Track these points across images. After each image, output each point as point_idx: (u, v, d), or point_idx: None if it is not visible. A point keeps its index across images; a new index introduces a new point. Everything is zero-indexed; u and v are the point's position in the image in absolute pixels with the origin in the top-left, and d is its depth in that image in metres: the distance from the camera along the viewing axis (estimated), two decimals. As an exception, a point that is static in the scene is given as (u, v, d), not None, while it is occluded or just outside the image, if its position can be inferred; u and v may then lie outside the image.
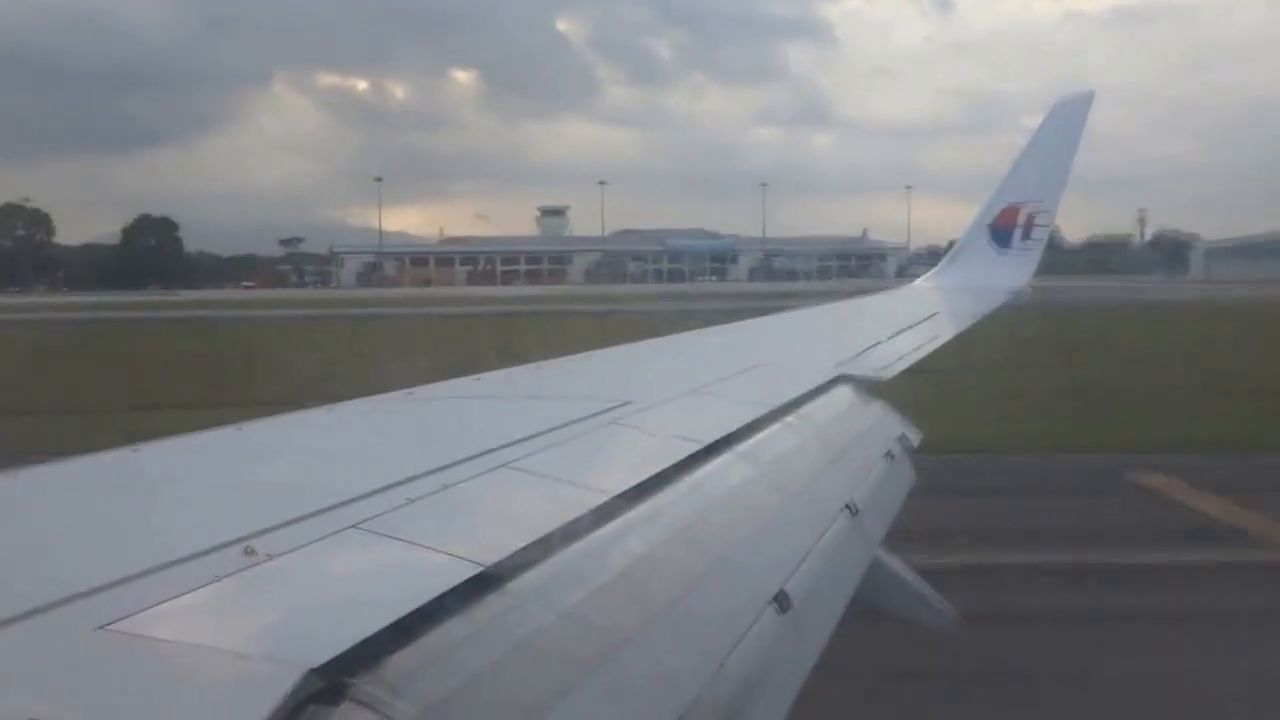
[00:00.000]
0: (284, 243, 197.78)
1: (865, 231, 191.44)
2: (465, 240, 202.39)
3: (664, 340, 7.48)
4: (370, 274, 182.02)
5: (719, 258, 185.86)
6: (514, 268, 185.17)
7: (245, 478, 3.08)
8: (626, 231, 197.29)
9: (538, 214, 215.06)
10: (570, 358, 5.86)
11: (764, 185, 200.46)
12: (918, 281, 15.00)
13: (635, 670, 2.37)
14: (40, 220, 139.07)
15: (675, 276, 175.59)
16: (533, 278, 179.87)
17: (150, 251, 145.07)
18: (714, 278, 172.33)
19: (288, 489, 2.83)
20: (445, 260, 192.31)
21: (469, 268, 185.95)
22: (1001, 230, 14.14)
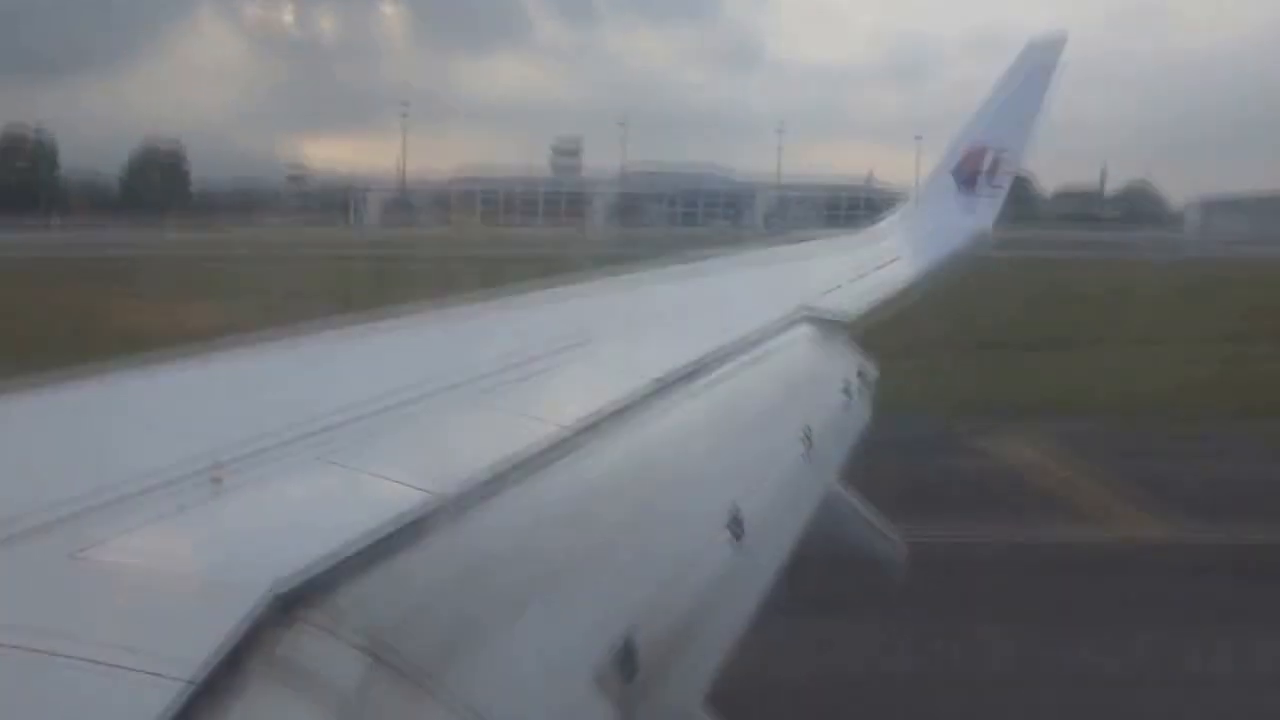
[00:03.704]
0: (292, 179, 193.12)
1: (871, 175, 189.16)
2: (475, 180, 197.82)
3: (632, 275, 7.50)
4: (395, 211, 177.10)
5: (736, 199, 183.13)
6: (532, 204, 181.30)
7: (212, 407, 3.11)
8: (640, 171, 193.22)
9: (550, 150, 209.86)
10: (537, 292, 5.88)
11: (779, 129, 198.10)
12: (882, 224, 15.01)
13: (585, 592, 2.44)
14: (47, 148, 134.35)
15: (690, 219, 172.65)
16: (551, 217, 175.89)
17: (156, 181, 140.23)
18: (733, 219, 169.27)
19: (254, 418, 2.86)
20: (465, 199, 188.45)
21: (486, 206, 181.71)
22: (966, 174, 14.13)
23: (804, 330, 5.80)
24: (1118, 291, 43.31)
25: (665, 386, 3.81)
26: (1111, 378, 25.72)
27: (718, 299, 6.78)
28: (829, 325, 6.14)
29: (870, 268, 9.36)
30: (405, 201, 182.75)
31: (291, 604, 1.82)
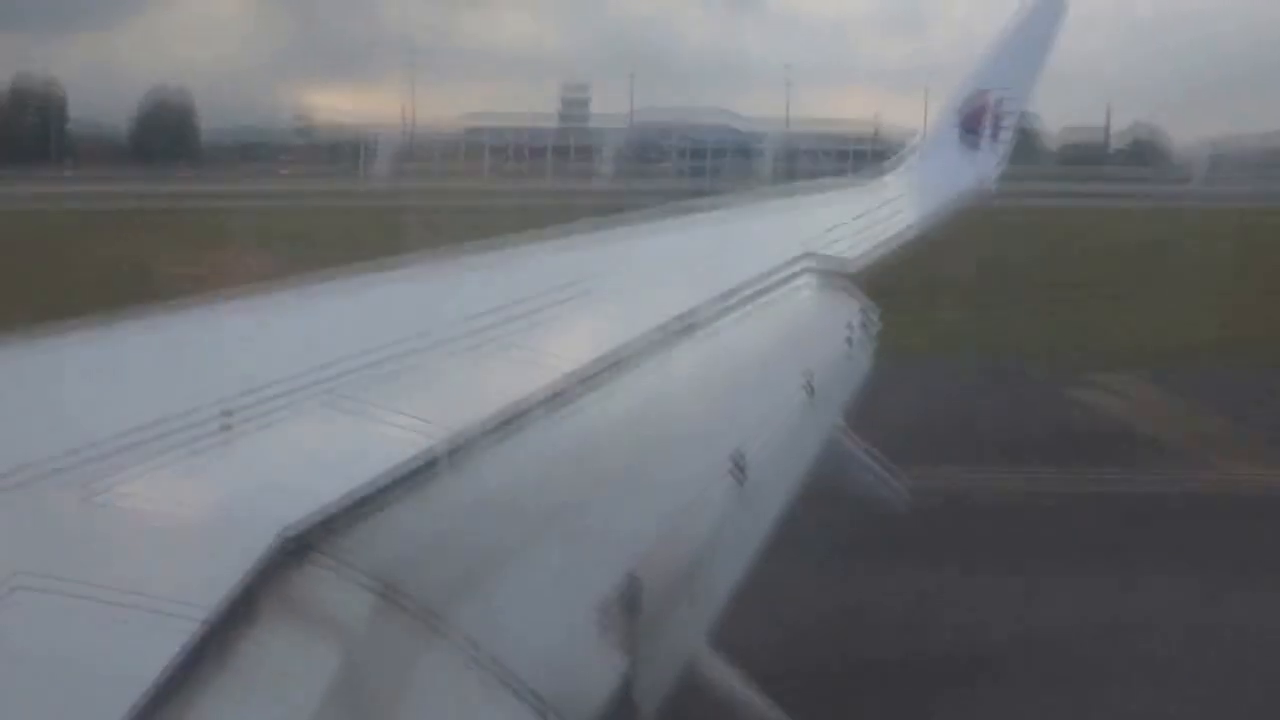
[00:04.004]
0: (299, 129, 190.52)
1: (879, 123, 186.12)
2: (484, 128, 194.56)
3: (638, 223, 7.48)
4: (404, 159, 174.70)
5: (745, 146, 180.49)
6: (541, 151, 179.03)
7: (222, 351, 3.14)
8: (649, 116, 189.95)
9: (559, 97, 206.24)
10: (543, 239, 5.88)
11: (788, 71, 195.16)
12: (886, 173, 14.91)
13: (590, 533, 2.48)
14: (56, 99, 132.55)
15: (698, 165, 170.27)
16: (560, 164, 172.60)
17: (166, 132, 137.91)
18: (742, 166, 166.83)
19: (263, 363, 2.89)
20: (474, 146, 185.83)
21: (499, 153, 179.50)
22: (971, 120, 14.01)
23: (807, 278, 5.81)
24: (1140, 238, 42.79)
25: (669, 332, 3.83)
26: (1162, 325, 25.60)
27: (722, 246, 6.77)
28: (832, 273, 6.14)
29: (873, 216, 9.33)
30: (414, 149, 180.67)
31: (301, 544, 1.85)
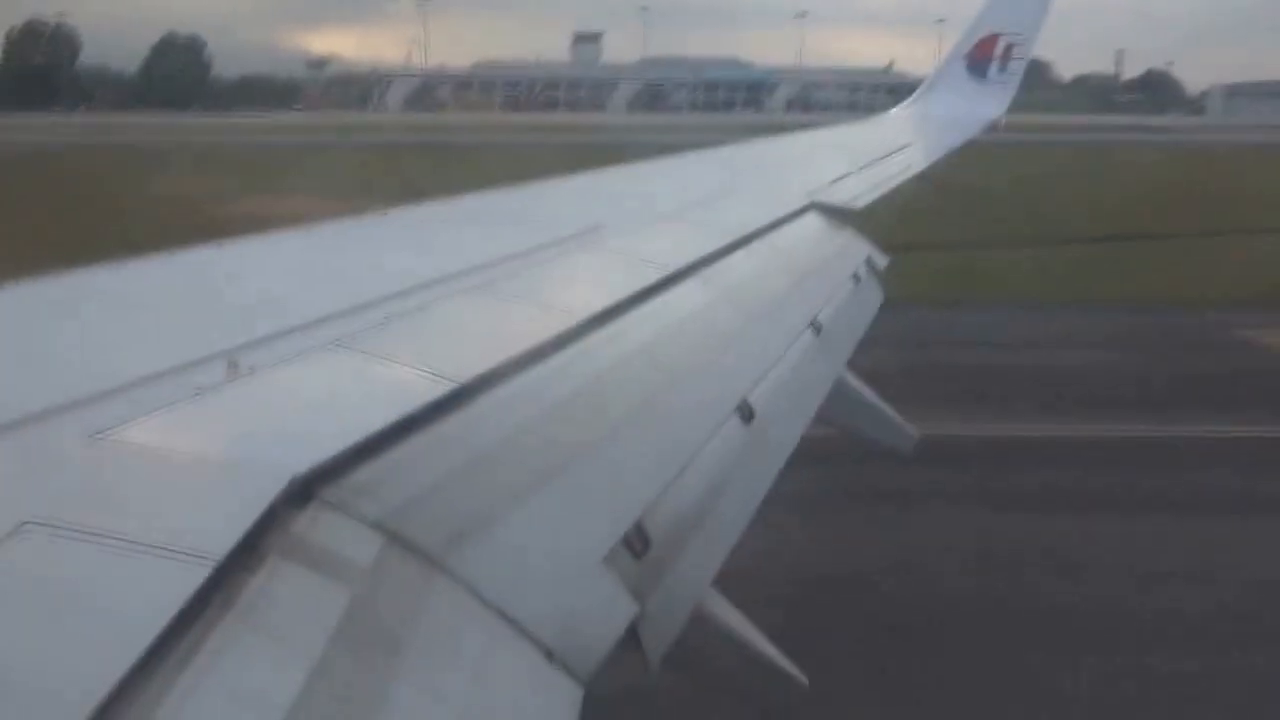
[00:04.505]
0: (312, 66, 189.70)
1: (891, 64, 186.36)
2: (497, 65, 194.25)
3: (640, 165, 7.44)
4: (419, 99, 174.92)
5: (755, 89, 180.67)
6: (554, 94, 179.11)
7: (229, 295, 3.13)
8: (657, 59, 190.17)
9: (572, 39, 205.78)
10: (546, 182, 5.85)
11: (802, 14, 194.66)
12: (893, 111, 14.82)
13: (596, 476, 2.48)
14: (68, 40, 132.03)
15: (710, 107, 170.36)
16: (572, 106, 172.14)
17: (175, 72, 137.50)
18: (751, 108, 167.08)
19: (271, 306, 2.88)
20: (487, 86, 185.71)
21: (509, 94, 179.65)
22: (978, 61, 13.92)
23: (812, 217, 5.78)
24: (1167, 179, 42.49)
25: (676, 275, 3.81)
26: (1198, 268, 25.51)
27: (729, 188, 6.73)
28: (838, 214, 6.11)
29: (879, 157, 9.27)
30: (427, 90, 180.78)
31: (308, 486, 1.85)
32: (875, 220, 6.74)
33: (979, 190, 32.39)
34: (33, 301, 2.83)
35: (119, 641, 1.41)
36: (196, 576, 1.54)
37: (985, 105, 13.63)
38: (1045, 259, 27.05)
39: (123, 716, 1.31)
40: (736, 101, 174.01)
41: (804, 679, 2.99)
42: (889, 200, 7.59)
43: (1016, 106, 13.97)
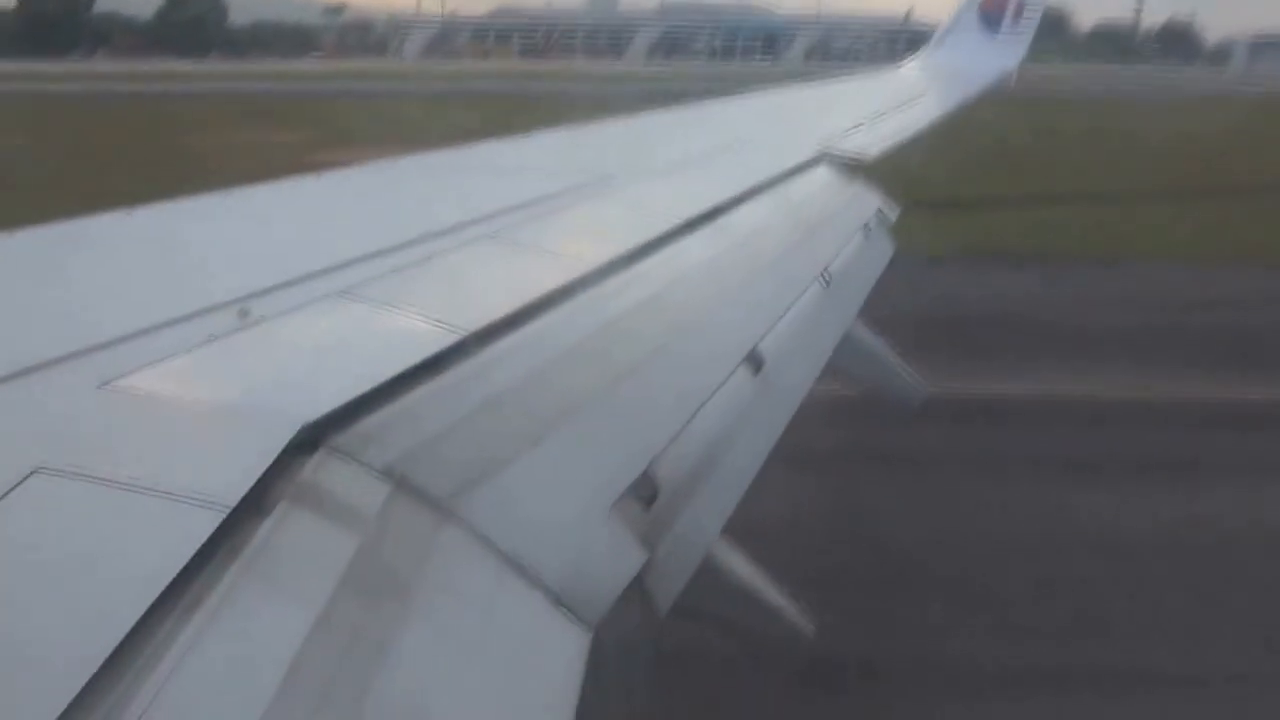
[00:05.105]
0: (328, 11, 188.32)
1: (909, 14, 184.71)
2: (516, 11, 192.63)
3: (652, 115, 7.40)
4: (437, 46, 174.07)
5: (774, 37, 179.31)
6: (571, 41, 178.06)
7: (239, 243, 3.14)
8: (676, 6, 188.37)
9: None
10: (556, 132, 5.83)
11: None
12: (905, 63, 14.69)
13: (605, 423, 2.48)
14: None
15: (729, 55, 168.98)
16: (591, 53, 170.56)
17: (191, 19, 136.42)
18: (769, 57, 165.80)
19: (280, 255, 2.89)
20: (504, 34, 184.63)
21: (526, 42, 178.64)
22: (991, 11, 13.78)
23: (824, 170, 5.75)
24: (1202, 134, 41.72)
25: (685, 224, 3.80)
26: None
27: (741, 138, 6.70)
28: (848, 162, 6.07)
29: (891, 108, 9.20)
30: (445, 37, 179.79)
31: (316, 433, 1.86)
32: (891, 171, 6.69)
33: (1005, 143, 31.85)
34: (42, 248, 2.84)
35: (131, 588, 1.42)
36: (208, 524, 1.55)
37: (998, 57, 13.50)
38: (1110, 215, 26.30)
39: (134, 663, 1.32)
40: (755, 50, 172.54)
41: (810, 627, 3.00)
42: (901, 151, 7.54)
43: (1032, 56, 13.83)
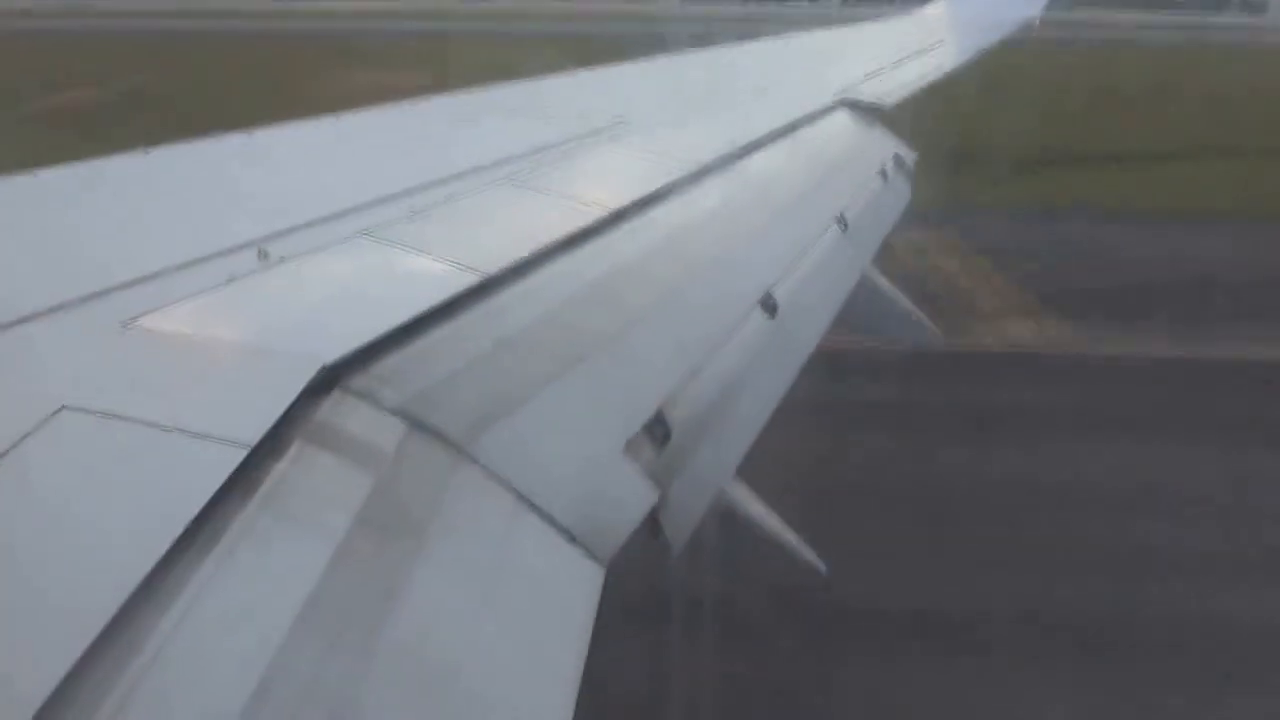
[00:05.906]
0: None
1: None
2: None
3: (670, 58, 7.32)
4: None
5: None
6: None
7: (258, 184, 3.14)
8: None
9: None
10: (571, 75, 5.79)
11: None
12: (926, 9, 14.47)
13: (619, 364, 2.50)
14: None
15: None
16: None
17: None
18: None
19: (299, 196, 2.90)
20: None
21: None
22: None
23: (843, 115, 5.71)
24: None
25: (702, 169, 3.79)
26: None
27: (759, 84, 6.64)
28: (866, 108, 6.03)
29: (912, 53, 9.09)
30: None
31: (334, 374, 1.89)
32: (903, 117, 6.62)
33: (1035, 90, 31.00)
34: (65, 188, 2.85)
35: (156, 523, 1.45)
36: (230, 462, 1.58)
37: (1019, 3, 13.31)
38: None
39: (159, 594, 1.36)
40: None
41: (823, 567, 3.02)
42: (918, 97, 7.46)
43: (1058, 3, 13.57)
